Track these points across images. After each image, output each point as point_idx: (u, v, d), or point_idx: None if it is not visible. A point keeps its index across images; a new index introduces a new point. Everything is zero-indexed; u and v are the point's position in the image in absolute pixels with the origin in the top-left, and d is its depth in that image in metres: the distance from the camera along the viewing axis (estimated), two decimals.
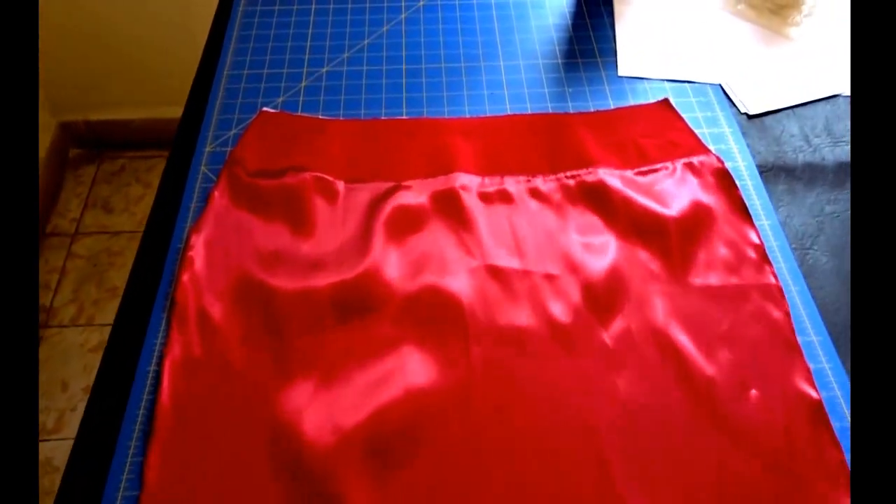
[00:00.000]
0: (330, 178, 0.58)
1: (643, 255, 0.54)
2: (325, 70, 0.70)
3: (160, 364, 0.48)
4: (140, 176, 1.67)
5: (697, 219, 0.56)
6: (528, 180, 0.59)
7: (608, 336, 0.50)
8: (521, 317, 0.50)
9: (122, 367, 0.49)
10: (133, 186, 1.65)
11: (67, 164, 1.67)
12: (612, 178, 0.58)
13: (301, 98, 0.67)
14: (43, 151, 1.58)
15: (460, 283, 0.52)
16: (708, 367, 0.48)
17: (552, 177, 0.59)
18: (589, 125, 0.63)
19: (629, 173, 0.59)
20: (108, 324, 1.41)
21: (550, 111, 0.65)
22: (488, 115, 0.65)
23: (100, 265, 1.51)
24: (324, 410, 0.46)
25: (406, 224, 0.56)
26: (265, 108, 0.65)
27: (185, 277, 0.52)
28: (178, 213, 0.58)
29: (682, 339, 0.49)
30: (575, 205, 0.57)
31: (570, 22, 0.74)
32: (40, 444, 1.26)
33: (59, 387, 1.33)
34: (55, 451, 1.25)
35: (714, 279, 0.53)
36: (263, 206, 0.57)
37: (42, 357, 1.36)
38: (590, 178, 0.58)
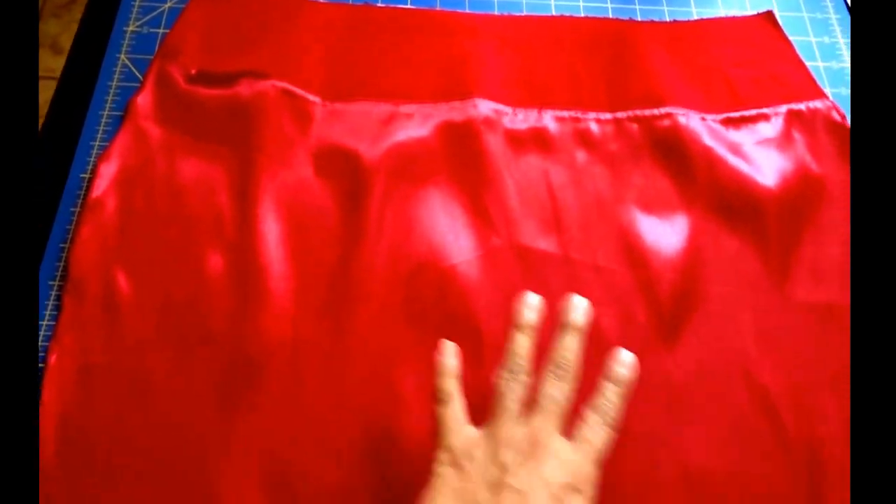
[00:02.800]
0: (301, 93, 0.41)
1: (730, 245, 0.39)
2: None
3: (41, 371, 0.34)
4: None
5: (805, 198, 0.40)
6: (576, 118, 0.42)
7: (675, 366, 0.36)
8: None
9: None
10: None
11: None
12: (693, 124, 0.42)
13: None
14: None
15: (475, 271, 0.37)
16: (807, 433, 0.35)
17: (609, 115, 0.43)
18: (663, 42, 0.46)
19: (714, 120, 0.43)
20: None
21: (610, 14, 0.48)
22: (525, 13, 0.47)
23: None
24: (274, 466, 0.32)
25: (403, 174, 0.40)
26: None
27: (87, 233, 0.36)
28: (83, 128, 0.41)
29: (776, 386, 0.35)
30: (639, 161, 0.41)
31: None
32: None
33: None
34: None
35: (822, 294, 0.38)
36: (205, 128, 0.40)
37: None
38: (661, 123, 0.42)
